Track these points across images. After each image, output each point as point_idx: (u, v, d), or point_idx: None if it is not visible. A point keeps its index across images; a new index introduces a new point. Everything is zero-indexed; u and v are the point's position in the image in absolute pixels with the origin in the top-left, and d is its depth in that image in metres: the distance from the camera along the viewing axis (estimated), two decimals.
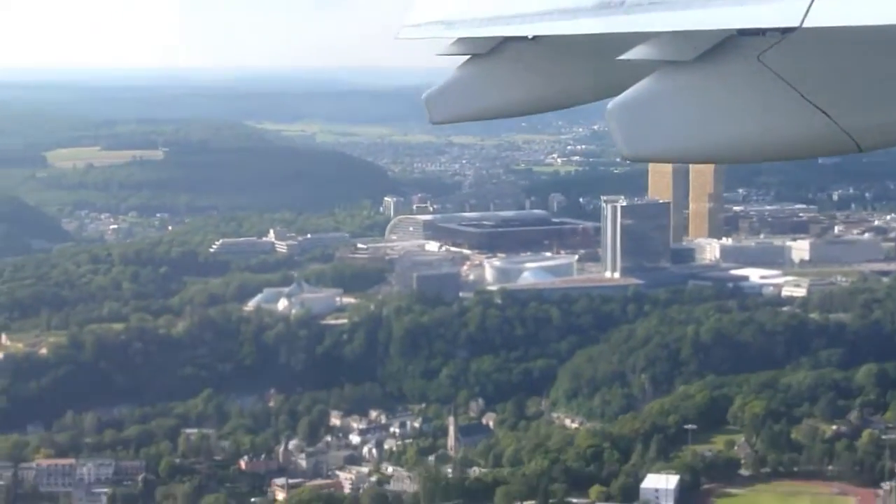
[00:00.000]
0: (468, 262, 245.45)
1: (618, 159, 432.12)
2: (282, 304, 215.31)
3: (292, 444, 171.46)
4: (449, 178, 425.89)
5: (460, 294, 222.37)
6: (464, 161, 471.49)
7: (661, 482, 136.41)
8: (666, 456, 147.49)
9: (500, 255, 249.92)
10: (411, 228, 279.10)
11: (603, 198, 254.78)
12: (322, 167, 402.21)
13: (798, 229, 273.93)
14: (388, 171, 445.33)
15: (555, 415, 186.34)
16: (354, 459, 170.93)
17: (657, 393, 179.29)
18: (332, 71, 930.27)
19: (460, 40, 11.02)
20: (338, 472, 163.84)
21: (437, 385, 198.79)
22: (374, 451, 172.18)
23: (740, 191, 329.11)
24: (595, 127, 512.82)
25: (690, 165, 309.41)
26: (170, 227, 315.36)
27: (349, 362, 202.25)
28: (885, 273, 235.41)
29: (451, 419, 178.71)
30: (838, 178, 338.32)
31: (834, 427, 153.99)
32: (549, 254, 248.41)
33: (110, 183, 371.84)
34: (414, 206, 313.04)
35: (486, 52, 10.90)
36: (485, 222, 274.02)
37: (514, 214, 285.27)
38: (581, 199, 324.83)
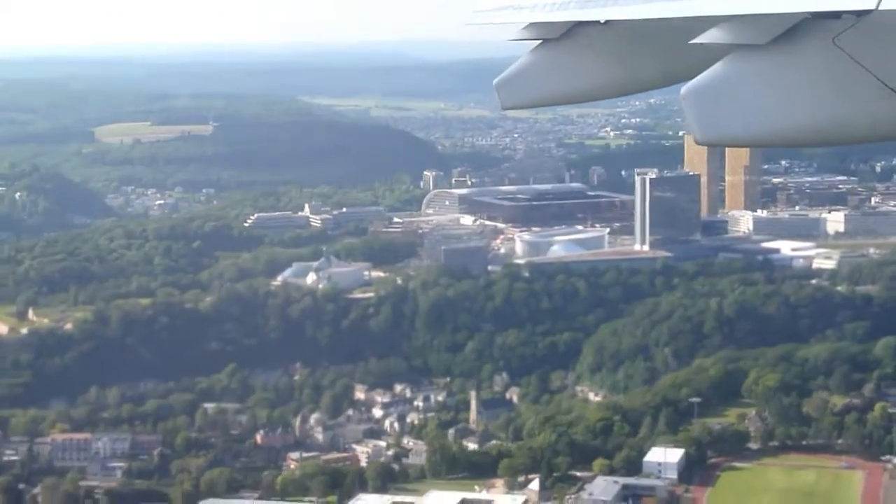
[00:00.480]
0: (501, 236, 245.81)
1: (669, 133, 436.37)
2: (310, 278, 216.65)
3: (313, 418, 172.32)
4: (499, 153, 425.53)
5: (489, 268, 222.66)
6: (516, 135, 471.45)
7: (664, 456, 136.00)
8: (675, 430, 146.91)
9: (533, 228, 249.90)
10: (447, 202, 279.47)
11: (637, 170, 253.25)
12: (369, 141, 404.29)
13: (837, 201, 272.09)
14: (438, 146, 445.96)
15: (578, 388, 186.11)
16: (374, 433, 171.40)
17: (679, 366, 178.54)
18: (395, 45, 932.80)
19: (531, 25, 11.19)
20: (355, 446, 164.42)
21: (461, 359, 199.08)
22: (395, 424, 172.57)
23: (783, 162, 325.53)
24: (651, 101, 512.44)
25: None
26: (214, 202, 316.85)
27: (375, 336, 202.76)
28: None
29: (473, 393, 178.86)
30: (882, 149, 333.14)
31: (847, 400, 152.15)
32: (581, 227, 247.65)
33: (157, 158, 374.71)
34: (453, 180, 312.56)
35: (558, 36, 11.02)
36: (520, 196, 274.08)
37: (551, 188, 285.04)
38: (623, 173, 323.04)
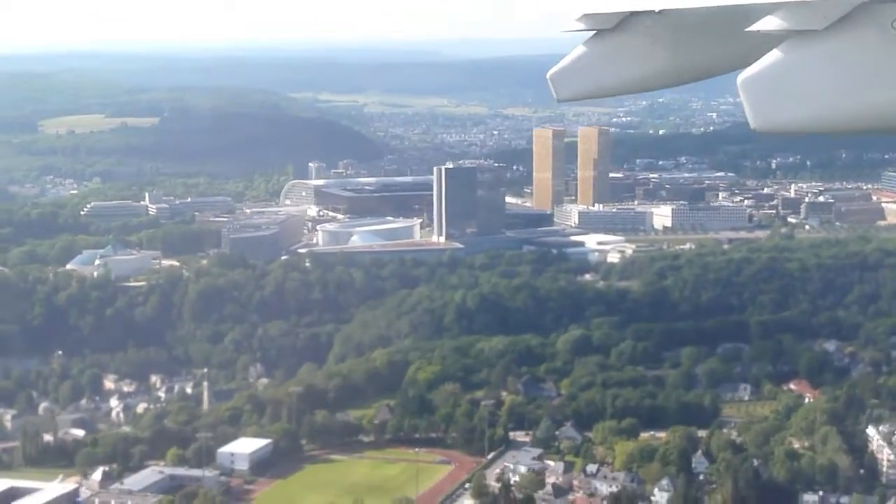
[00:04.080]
0: (312, 226, 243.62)
1: (650, 131, 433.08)
2: (95, 265, 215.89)
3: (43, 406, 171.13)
4: (464, 147, 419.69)
5: (283, 257, 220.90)
6: (495, 132, 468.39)
7: (241, 447, 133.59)
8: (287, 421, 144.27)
9: (367, 218, 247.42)
10: (304, 193, 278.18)
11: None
12: (306, 134, 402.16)
13: (694, 197, 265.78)
14: (396, 141, 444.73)
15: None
16: (84, 423, 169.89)
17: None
18: (423, 42, 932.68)
19: (585, 16, 10.91)
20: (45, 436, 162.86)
21: (221, 350, 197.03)
22: (121, 414, 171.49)
23: (682, 159, 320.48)
24: (661, 100, 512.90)
25: (579, 132, 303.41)
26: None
27: (139, 326, 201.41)
28: (738, 239, 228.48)
29: (205, 384, 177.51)
30: (790, 146, 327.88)
31: (478, 394, 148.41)
32: (399, 218, 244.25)
33: (80, 149, 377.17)
34: (331, 172, 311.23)
35: (612, 27, 10.78)
36: (367, 188, 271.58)
37: (406, 180, 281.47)
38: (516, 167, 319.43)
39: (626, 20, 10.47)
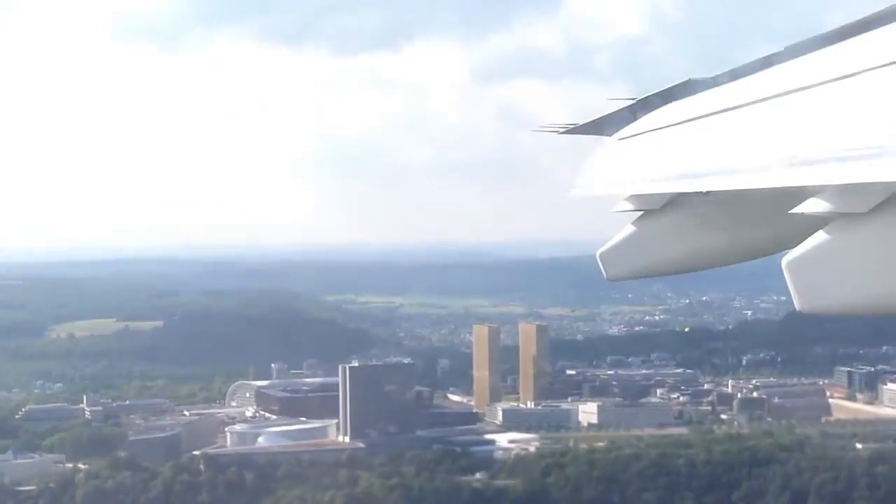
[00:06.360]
0: (229, 427, 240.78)
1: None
2: None
3: None
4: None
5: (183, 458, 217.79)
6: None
7: None
8: None
9: (281, 419, 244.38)
10: (247, 394, 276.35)
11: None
12: (308, 335, 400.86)
13: (634, 394, 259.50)
14: (415, 342, 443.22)
15: None
16: None
17: None
18: (471, 244, 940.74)
19: (633, 196, 11.03)
20: None
21: None
22: None
23: (653, 356, 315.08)
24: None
25: (519, 329, 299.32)
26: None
27: None
28: (664, 436, 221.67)
29: None
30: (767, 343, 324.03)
31: None
32: (316, 420, 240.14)
33: (72, 353, 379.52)
34: (290, 372, 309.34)
35: (660, 206, 10.86)
36: (303, 388, 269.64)
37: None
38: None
39: (674, 200, 10.37)
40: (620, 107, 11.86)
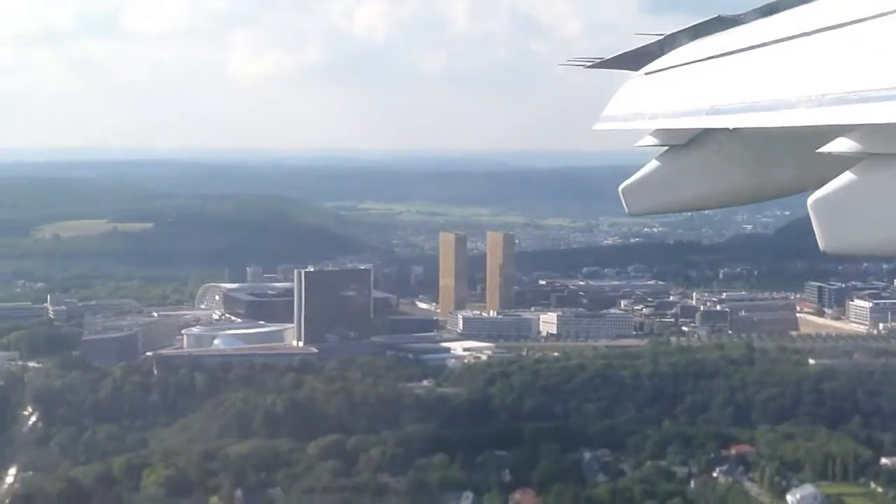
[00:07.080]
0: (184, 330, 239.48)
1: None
2: None
3: None
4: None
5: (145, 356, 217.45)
6: None
7: None
8: None
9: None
10: (216, 297, 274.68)
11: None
12: (295, 241, 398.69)
13: (599, 304, 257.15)
14: (407, 249, 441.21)
15: None
16: None
17: None
18: (486, 152, 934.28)
19: (658, 131, 11.04)
20: None
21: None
22: None
23: (629, 268, 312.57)
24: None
25: (487, 237, 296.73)
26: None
27: None
28: (619, 347, 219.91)
29: None
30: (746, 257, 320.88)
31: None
32: (273, 323, 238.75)
33: (54, 254, 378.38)
34: (263, 276, 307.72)
35: (684, 142, 10.92)
36: (269, 292, 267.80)
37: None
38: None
39: (699, 136, 10.40)
40: (648, 41, 11.62)
